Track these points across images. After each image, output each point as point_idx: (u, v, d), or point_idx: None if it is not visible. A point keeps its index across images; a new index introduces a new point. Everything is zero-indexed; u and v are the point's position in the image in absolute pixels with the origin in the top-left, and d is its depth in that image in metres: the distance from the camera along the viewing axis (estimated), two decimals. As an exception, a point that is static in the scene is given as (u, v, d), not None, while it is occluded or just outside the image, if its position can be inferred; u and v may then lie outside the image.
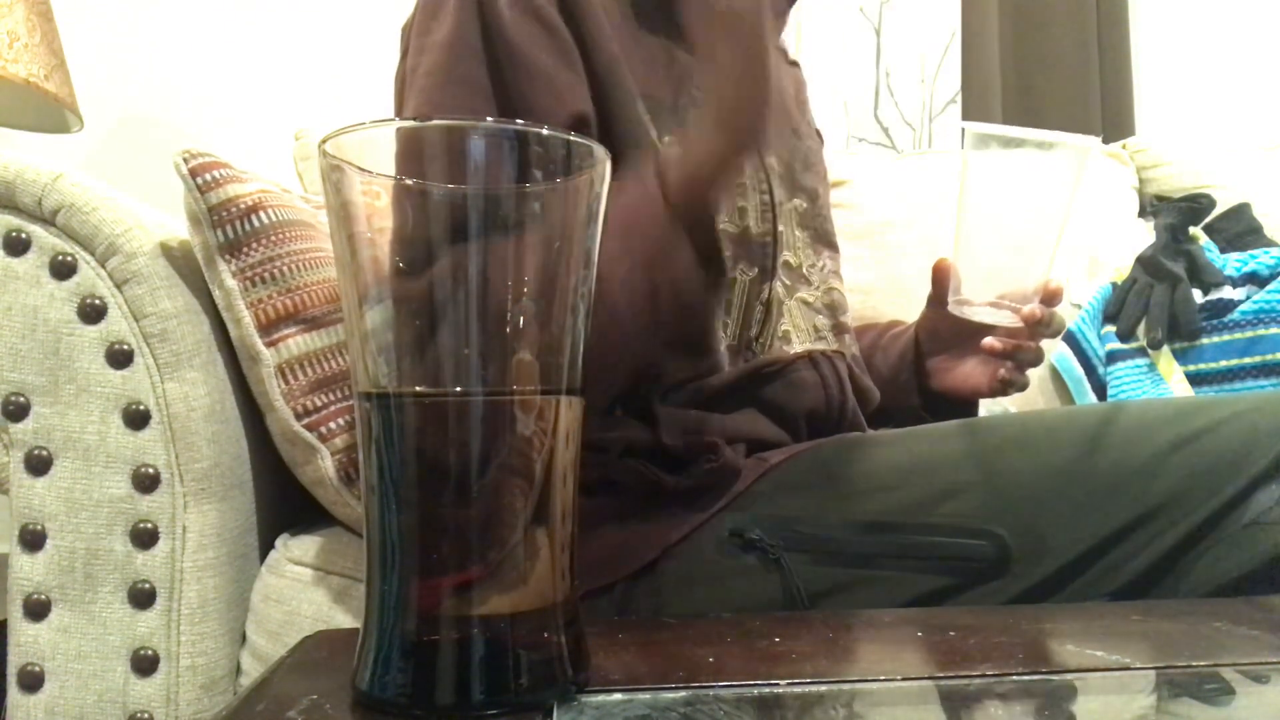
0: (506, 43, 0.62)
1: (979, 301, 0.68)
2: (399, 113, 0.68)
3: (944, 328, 0.80)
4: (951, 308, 0.70)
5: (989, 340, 0.74)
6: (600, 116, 0.65)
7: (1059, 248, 0.67)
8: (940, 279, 0.77)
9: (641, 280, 0.56)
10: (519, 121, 0.36)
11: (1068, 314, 1.34)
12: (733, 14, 0.53)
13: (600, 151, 0.37)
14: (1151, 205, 1.45)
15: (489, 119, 0.55)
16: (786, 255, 0.76)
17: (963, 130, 0.67)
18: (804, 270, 0.78)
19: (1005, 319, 0.68)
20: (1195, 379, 1.20)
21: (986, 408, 0.94)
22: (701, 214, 0.58)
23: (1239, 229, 1.34)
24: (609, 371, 0.60)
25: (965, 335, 0.79)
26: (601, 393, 0.63)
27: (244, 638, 0.80)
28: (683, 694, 0.37)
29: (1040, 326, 0.69)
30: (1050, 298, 0.69)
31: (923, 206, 1.43)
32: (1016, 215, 0.66)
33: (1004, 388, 0.76)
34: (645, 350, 0.61)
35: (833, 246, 0.84)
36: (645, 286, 0.57)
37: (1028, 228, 0.66)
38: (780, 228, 0.74)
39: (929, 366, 0.84)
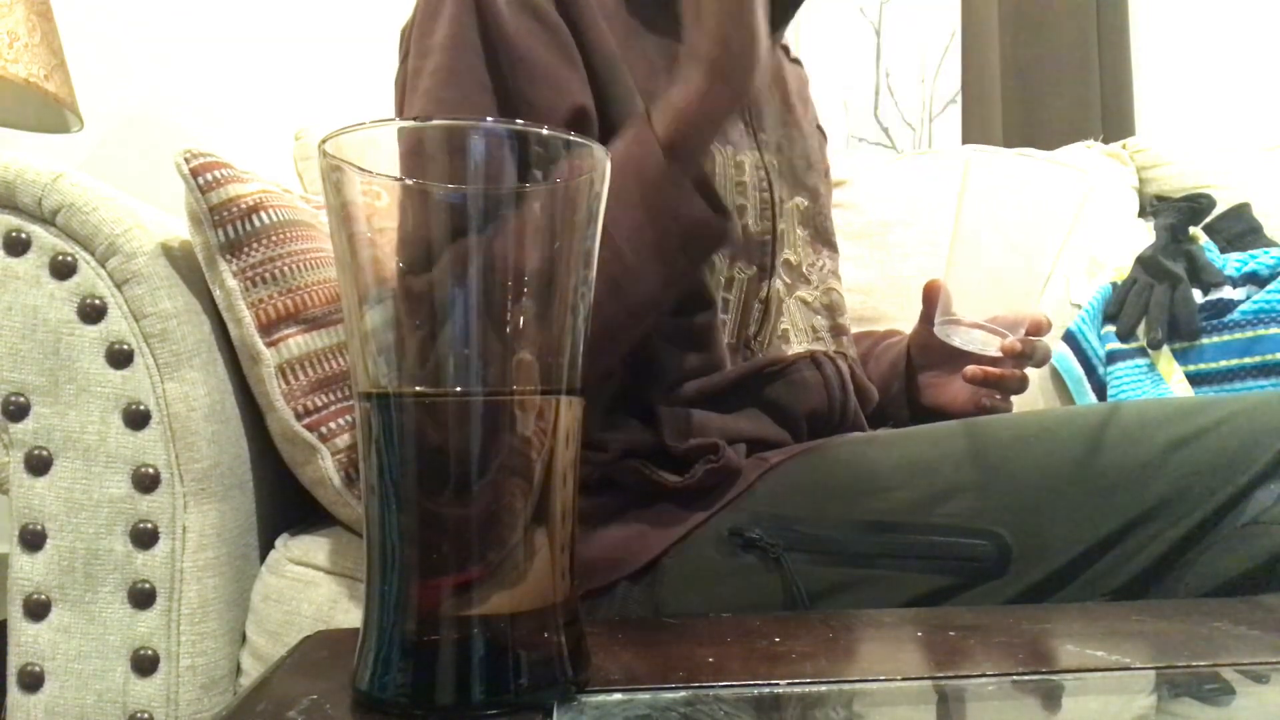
0: (505, 39, 0.62)
1: (970, 321, 0.68)
2: (401, 115, 0.68)
3: (935, 344, 0.81)
4: (937, 330, 0.70)
5: (971, 368, 0.75)
6: (600, 112, 0.65)
7: (1048, 280, 0.68)
8: (931, 299, 0.77)
9: (646, 223, 0.56)
10: (519, 121, 0.36)
11: (1068, 314, 1.34)
12: None
13: (600, 151, 0.37)
14: (1151, 205, 1.45)
15: (490, 118, 0.55)
16: (787, 254, 0.76)
17: (966, 162, 0.68)
18: (804, 269, 0.78)
19: (990, 348, 0.68)
20: (1195, 379, 1.20)
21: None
22: (693, 155, 0.58)
23: (1239, 229, 1.34)
24: (631, 327, 0.60)
25: (956, 354, 0.79)
26: (622, 352, 0.63)
27: (244, 638, 0.80)
28: (683, 694, 0.37)
29: (1022, 358, 0.70)
30: (1036, 329, 0.70)
31: (923, 206, 1.43)
32: (1011, 243, 0.67)
33: (986, 412, 0.77)
34: (663, 300, 0.61)
35: (832, 246, 0.84)
36: (650, 231, 0.56)
37: (1020, 256, 0.67)
38: (781, 226, 0.74)
39: (919, 381, 0.85)
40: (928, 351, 0.84)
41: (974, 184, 0.67)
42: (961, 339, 0.69)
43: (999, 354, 0.68)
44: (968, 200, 0.67)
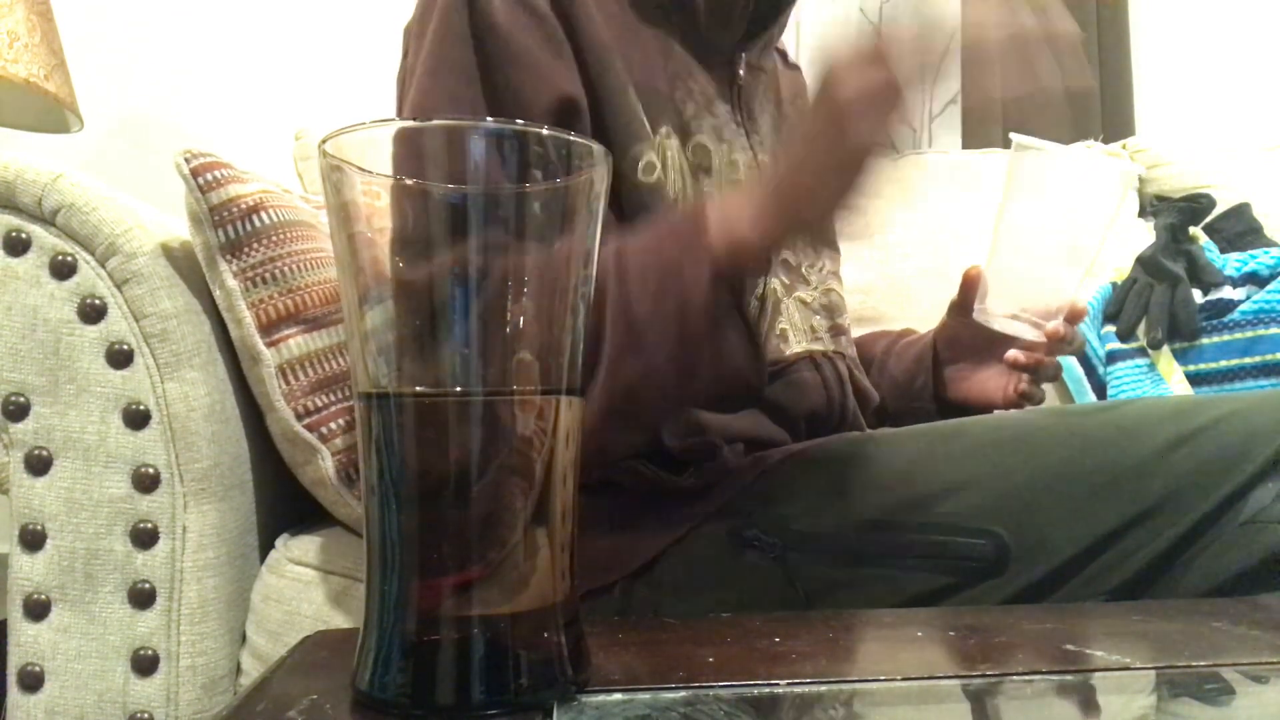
0: (493, 28, 0.63)
1: (1004, 312, 0.70)
2: (400, 111, 0.68)
3: (964, 336, 0.81)
4: (976, 314, 0.71)
5: (1013, 353, 0.76)
6: (591, 104, 0.65)
7: (1090, 269, 0.69)
8: (969, 286, 0.78)
9: (676, 338, 0.54)
10: (519, 121, 0.36)
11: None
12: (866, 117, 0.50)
13: (600, 151, 0.37)
14: (1151, 205, 1.45)
15: (480, 115, 0.55)
16: (786, 254, 0.76)
17: (1012, 151, 0.69)
18: (803, 270, 0.78)
19: (1028, 332, 0.69)
20: (1195, 379, 1.20)
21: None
22: (740, 284, 0.56)
23: (1239, 229, 1.34)
24: (637, 423, 0.59)
25: (984, 345, 0.80)
26: (629, 444, 0.62)
27: (244, 638, 0.80)
28: (683, 694, 0.37)
29: (1062, 344, 0.70)
30: (1075, 316, 0.71)
31: (922, 206, 1.43)
32: (1056, 231, 0.68)
33: (1020, 400, 0.78)
34: (678, 405, 0.61)
35: (833, 247, 0.84)
36: (679, 346, 0.55)
37: (1065, 244, 0.68)
38: None
39: (946, 374, 0.85)
40: (956, 344, 0.84)
41: (1020, 173, 0.68)
42: (1001, 324, 0.70)
43: (1041, 338, 0.69)
44: (1013, 189, 0.68)
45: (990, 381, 0.81)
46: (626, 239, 0.57)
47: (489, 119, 0.37)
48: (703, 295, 0.53)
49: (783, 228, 0.55)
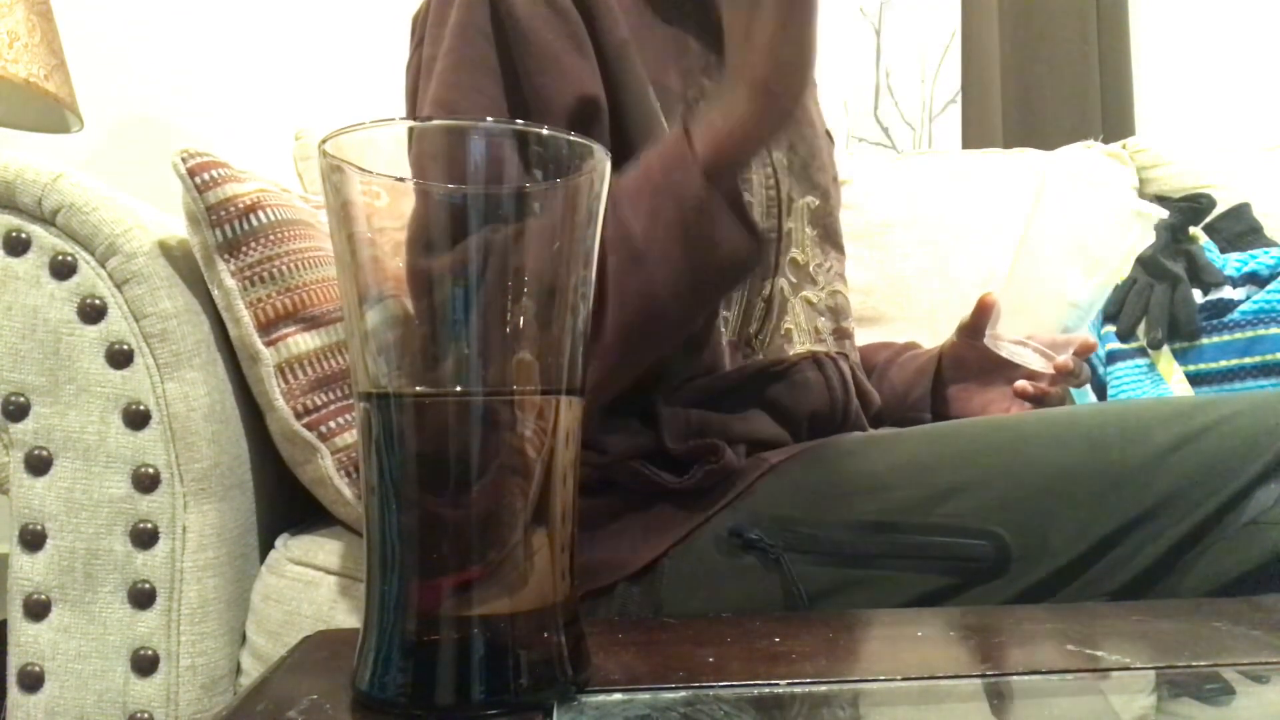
0: (516, 25, 0.62)
1: (1014, 339, 0.71)
2: (413, 100, 0.68)
3: (971, 358, 0.82)
4: (986, 340, 0.72)
5: (1021, 384, 0.77)
6: (611, 102, 0.65)
7: (1101, 305, 0.71)
8: (982, 311, 0.78)
9: (681, 253, 0.55)
10: (519, 121, 0.36)
11: (1066, 314, 1.34)
12: None
13: (600, 151, 0.37)
14: (1151, 206, 1.45)
15: (491, 116, 0.55)
16: (794, 252, 0.76)
17: (1041, 182, 0.70)
18: (810, 269, 0.78)
19: (1036, 361, 0.71)
20: (1195, 379, 1.20)
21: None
22: (733, 176, 0.56)
23: (1239, 229, 1.34)
24: (654, 353, 0.60)
25: (990, 368, 0.81)
26: (640, 373, 0.62)
27: (244, 638, 0.80)
28: (683, 694, 0.37)
29: (1069, 377, 0.71)
30: (1084, 350, 0.72)
31: (923, 206, 1.43)
32: (1076, 266, 0.69)
33: None
34: (690, 327, 0.61)
35: (839, 248, 0.84)
36: (686, 260, 0.55)
37: (1084, 280, 0.69)
38: (789, 225, 0.74)
39: (949, 393, 0.86)
40: (962, 365, 0.84)
41: (1046, 207, 0.69)
42: (1009, 351, 0.71)
43: (1048, 369, 0.70)
44: (1038, 220, 0.69)
45: (993, 405, 0.82)
46: (613, 177, 0.57)
47: (490, 119, 0.37)
48: (697, 196, 0.54)
49: (757, 100, 0.54)
